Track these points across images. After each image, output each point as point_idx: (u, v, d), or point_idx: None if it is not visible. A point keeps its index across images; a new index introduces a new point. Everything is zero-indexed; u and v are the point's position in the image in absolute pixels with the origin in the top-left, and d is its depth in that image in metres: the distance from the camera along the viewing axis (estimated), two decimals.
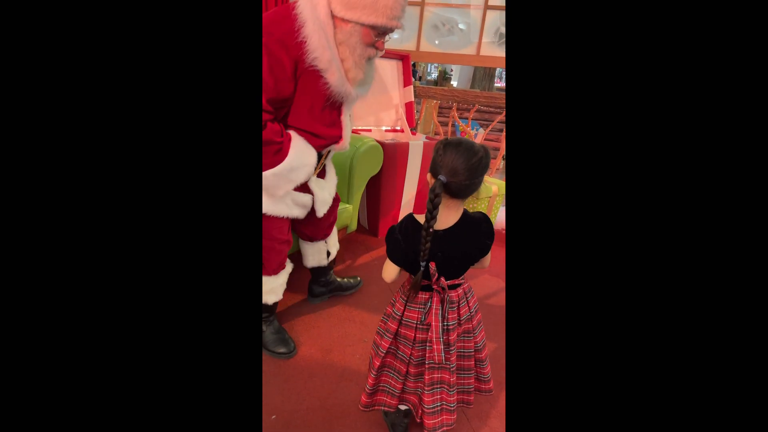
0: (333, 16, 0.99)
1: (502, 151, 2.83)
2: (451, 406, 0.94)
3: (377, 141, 1.96)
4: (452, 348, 0.90)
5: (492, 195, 2.24)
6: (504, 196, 2.42)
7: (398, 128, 2.40)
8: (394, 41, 2.65)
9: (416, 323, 0.90)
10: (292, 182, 1.11)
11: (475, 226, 0.85)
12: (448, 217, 0.83)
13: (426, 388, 0.91)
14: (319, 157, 1.25)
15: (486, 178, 2.18)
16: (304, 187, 1.22)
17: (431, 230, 0.78)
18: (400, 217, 2.29)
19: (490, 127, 2.76)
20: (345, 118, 1.19)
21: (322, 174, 1.34)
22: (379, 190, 2.12)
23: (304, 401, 1.17)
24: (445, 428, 0.95)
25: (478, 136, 2.82)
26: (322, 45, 0.97)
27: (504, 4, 2.50)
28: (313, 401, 1.18)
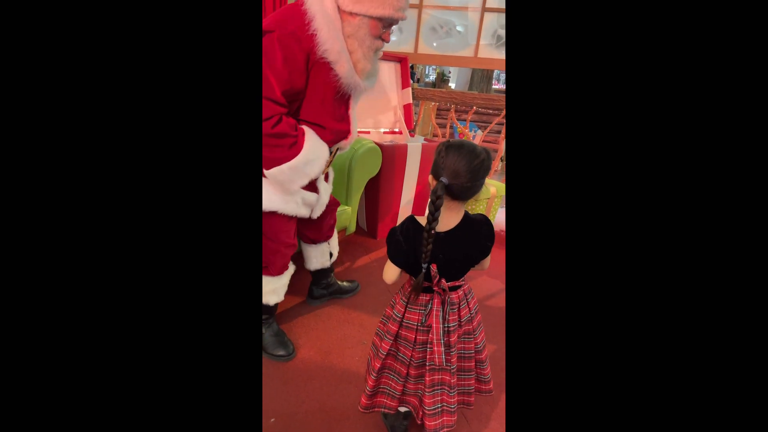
0: (340, 11, 1.02)
1: (500, 153, 2.83)
2: (451, 408, 0.94)
3: (376, 143, 1.96)
4: (453, 349, 0.90)
5: (490, 196, 2.25)
6: (502, 198, 2.42)
7: (396, 130, 2.40)
8: (393, 43, 2.65)
9: (417, 325, 0.90)
10: (307, 176, 1.13)
11: (476, 228, 0.85)
12: (449, 219, 0.83)
13: (427, 390, 0.91)
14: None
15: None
16: (311, 186, 1.24)
17: (433, 232, 0.78)
18: (399, 218, 2.29)
19: (489, 128, 2.77)
20: (353, 113, 1.22)
21: (325, 176, 1.36)
22: (377, 192, 2.12)
23: (303, 404, 1.17)
24: (445, 429, 0.94)
25: (476, 137, 2.83)
26: (332, 37, 1.01)
27: (501, 6, 2.51)
28: (312, 404, 1.17)
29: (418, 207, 2.34)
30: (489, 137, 3.78)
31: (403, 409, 1.03)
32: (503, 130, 2.84)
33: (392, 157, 2.04)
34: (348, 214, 1.90)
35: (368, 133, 2.28)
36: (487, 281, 1.97)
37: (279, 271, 1.29)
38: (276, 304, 1.34)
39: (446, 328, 0.88)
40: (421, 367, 0.92)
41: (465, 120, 2.76)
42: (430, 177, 0.83)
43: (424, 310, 0.88)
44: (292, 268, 1.35)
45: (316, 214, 1.34)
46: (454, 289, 0.88)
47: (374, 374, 0.96)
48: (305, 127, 1.11)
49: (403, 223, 0.86)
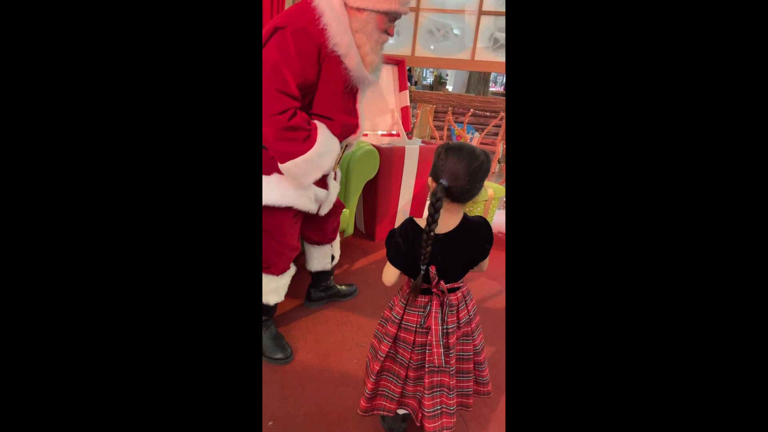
0: (347, 7, 1.07)
1: (498, 155, 2.84)
2: (450, 410, 0.93)
3: (373, 145, 1.96)
4: (452, 351, 0.90)
5: (488, 198, 2.25)
6: (499, 200, 2.42)
7: (394, 133, 2.40)
8: (390, 46, 2.66)
9: (416, 327, 0.90)
10: (320, 169, 1.16)
11: (475, 229, 0.86)
12: (448, 221, 0.83)
13: (426, 392, 0.91)
14: None
15: None
16: (322, 183, 1.28)
17: (432, 234, 0.78)
18: (397, 220, 2.29)
19: (486, 130, 2.78)
20: (360, 107, 1.26)
21: (333, 175, 1.40)
22: (375, 194, 2.12)
23: (301, 407, 1.16)
24: (444, 431, 0.94)
25: (473, 139, 2.84)
26: (341, 31, 1.06)
27: (498, 9, 2.52)
28: (310, 407, 1.17)
29: (415, 209, 2.35)
30: (486, 139, 3.79)
31: (401, 412, 1.03)
32: (500, 132, 2.85)
33: (390, 159, 2.05)
34: (346, 216, 1.90)
35: (366, 135, 2.29)
36: (486, 283, 1.97)
37: (281, 271, 1.31)
38: (276, 305, 1.35)
39: (445, 330, 0.88)
40: (420, 369, 0.92)
41: (462, 122, 2.77)
42: (430, 179, 0.83)
43: (423, 311, 0.88)
44: (293, 269, 1.37)
45: (324, 211, 1.37)
46: (452, 290, 0.88)
47: (373, 377, 0.95)
48: (317, 122, 1.16)
49: (402, 224, 0.87)
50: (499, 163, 3.23)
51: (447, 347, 0.89)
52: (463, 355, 0.95)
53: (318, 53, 1.07)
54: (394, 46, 2.74)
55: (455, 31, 2.67)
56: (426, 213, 0.79)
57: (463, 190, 0.78)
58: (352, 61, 1.10)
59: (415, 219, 0.86)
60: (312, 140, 1.11)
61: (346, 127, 1.23)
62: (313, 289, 1.63)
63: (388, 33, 1.14)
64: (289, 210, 1.22)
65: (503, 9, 2.49)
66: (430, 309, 0.87)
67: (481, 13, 2.56)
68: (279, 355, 1.32)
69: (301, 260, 1.54)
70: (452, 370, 0.91)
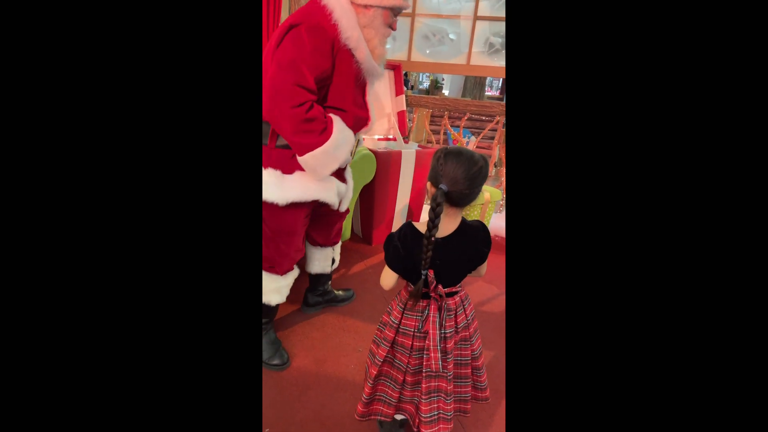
0: (353, 4, 1.16)
1: (494, 159, 2.85)
2: (448, 415, 0.93)
3: (370, 150, 1.96)
4: (449, 356, 0.89)
5: (485, 202, 2.26)
6: (496, 203, 2.43)
7: (391, 137, 2.41)
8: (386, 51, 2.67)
9: (413, 331, 0.89)
10: (336, 160, 1.21)
11: (473, 233, 0.86)
12: (447, 225, 0.83)
13: (423, 397, 0.90)
14: None
15: None
16: (341, 177, 1.35)
17: (432, 239, 0.78)
18: (394, 225, 2.29)
19: (482, 134, 2.79)
20: (370, 99, 1.33)
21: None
22: (372, 199, 2.12)
23: (298, 413, 1.15)
24: None
25: (469, 143, 2.85)
26: (351, 26, 1.14)
27: (493, 14, 2.54)
28: (308, 413, 1.16)
29: (412, 213, 2.35)
30: (482, 143, 3.81)
31: (399, 417, 1.02)
32: (496, 136, 2.86)
33: (387, 163, 2.05)
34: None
35: (363, 139, 2.29)
36: (483, 286, 1.97)
37: (284, 272, 1.32)
38: (277, 307, 1.35)
39: (443, 335, 0.88)
40: (418, 374, 0.92)
41: (458, 126, 2.78)
42: (428, 184, 0.83)
43: (421, 316, 0.88)
44: (296, 271, 1.38)
45: (344, 207, 1.44)
46: (450, 295, 0.88)
47: (371, 381, 0.95)
48: (332, 115, 1.21)
49: (400, 229, 0.87)
50: (495, 167, 3.24)
51: (444, 352, 0.88)
52: (460, 360, 0.94)
53: (332, 47, 1.14)
54: (390, 50, 2.75)
55: (451, 36, 2.69)
56: (423, 217, 0.79)
57: (463, 194, 0.78)
58: (362, 53, 1.17)
59: (413, 223, 0.86)
60: (328, 132, 1.16)
61: (358, 119, 1.28)
62: (311, 294, 1.63)
63: (392, 27, 1.22)
64: (303, 210, 1.26)
65: (498, 14, 2.51)
66: (427, 313, 0.86)
67: (477, 18, 2.58)
68: (276, 362, 1.31)
69: (300, 262, 1.54)
70: (450, 375, 0.91)
